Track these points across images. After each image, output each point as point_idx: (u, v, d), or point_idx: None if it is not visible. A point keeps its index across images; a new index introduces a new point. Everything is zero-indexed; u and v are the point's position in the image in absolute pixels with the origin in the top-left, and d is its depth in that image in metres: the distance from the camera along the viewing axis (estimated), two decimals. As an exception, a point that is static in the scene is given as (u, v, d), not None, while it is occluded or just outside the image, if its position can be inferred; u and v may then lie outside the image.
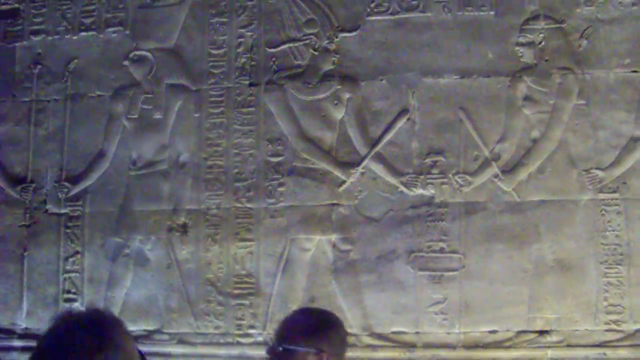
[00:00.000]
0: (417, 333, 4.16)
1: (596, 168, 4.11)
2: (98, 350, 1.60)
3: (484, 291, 4.12)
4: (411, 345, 4.16)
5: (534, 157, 4.16)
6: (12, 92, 4.83)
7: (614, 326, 4.02)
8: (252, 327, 4.31)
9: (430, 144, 4.25)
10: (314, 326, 2.59)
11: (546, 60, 4.20)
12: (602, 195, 4.10)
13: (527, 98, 4.20)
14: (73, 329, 1.66)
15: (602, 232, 4.08)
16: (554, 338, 4.05)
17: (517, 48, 4.23)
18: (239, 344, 4.31)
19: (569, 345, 4.04)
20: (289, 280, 4.30)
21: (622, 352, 4.00)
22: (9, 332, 4.65)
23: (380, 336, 4.20)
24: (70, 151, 4.71)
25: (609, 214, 4.09)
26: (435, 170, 4.23)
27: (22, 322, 4.62)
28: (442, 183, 4.21)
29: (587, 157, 4.13)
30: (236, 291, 4.38)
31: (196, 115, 4.53)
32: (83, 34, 4.76)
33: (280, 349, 2.54)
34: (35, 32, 4.83)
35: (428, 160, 4.24)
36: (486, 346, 4.10)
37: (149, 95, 4.59)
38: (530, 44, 4.21)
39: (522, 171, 4.16)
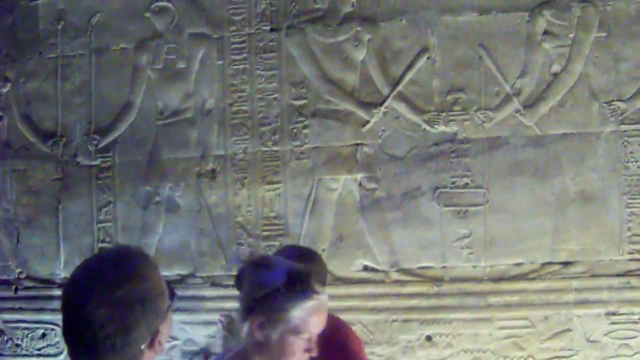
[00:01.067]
0: (444, 267, 4.22)
1: (618, 100, 4.09)
2: (124, 281, 1.69)
3: (508, 224, 4.16)
4: (438, 280, 4.22)
5: (555, 91, 4.15)
6: (38, 50, 4.89)
7: (637, 255, 4.05)
8: (282, 267, 4.38)
9: (451, 82, 4.26)
10: (298, 258, 2.82)
11: (565, -7, 4.17)
12: (624, 127, 4.09)
13: (546, 32, 4.17)
14: (102, 261, 1.77)
15: (625, 163, 4.09)
16: (578, 269, 4.09)
17: (535, -18, 4.19)
18: (270, 284, 4.39)
19: (593, 275, 4.07)
20: (317, 220, 4.37)
21: (646, 281, 4.04)
22: (49, 282, 4.79)
23: (407, 271, 4.26)
24: (98, 104, 4.77)
25: (631, 145, 4.09)
26: (457, 107, 4.24)
27: (61, 272, 4.74)
28: (464, 119, 4.23)
29: (608, 90, 4.11)
30: (265, 233, 4.46)
31: (219, 62, 4.56)
32: (103, -13, 4.80)
33: None
34: (57, -12, 4.90)
35: (449, 98, 4.25)
36: (512, 278, 4.15)
37: (172, 45, 4.62)
38: (548, -23, 4.18)
39: (543, 105, 4.16)
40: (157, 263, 1.86)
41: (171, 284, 1.88)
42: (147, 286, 1.73)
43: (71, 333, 1.70)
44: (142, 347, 1.71)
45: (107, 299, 1.65)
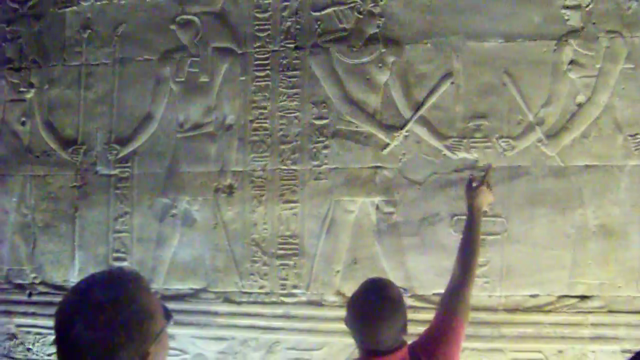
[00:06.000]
0: (459, 296, 4.18)
1: (642, 133, 4.03)
2: (111, 304, 1.71)
3: (526, 255, 4.10)
4: (452, 308, 4.17)
5: (579, 122, 4.09)
6: (63, 57, 4.93)
7: (657, 293, 3.97)
8: (295, 287, 4.38)
9: (474, 108, 4.21)
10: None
11: (593, 24, 4.09)
12: (648, 161, 4.03)
13: (572, 62, 4.11)
14: (91, 285, 1.79)
15: (647, 198, 4.01)
16: (595, 303, 4.02)
17: (563, 11, 4.13)
18: (282, 303, 4.39)
19: (610, 311, 4.00)
20: (333, 241, 4.34)
21: (664, 320, 3.96)
22: (63, 289, 4.78)
23: (422, 298, 4.21)
24: (119, 114, 4.79)
25: (656, 180, 4.01)
26: (478, 134, 4.20)
27: (75, 279, 4.74)
28: (486, 147, 4.18)
29: (634, 122, 4.03)
30: (280, 251, 4.44)
31: (242, 78, 4.55)
32: (131, -2, 4.83)
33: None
34: (85, -2, 4.93)
35: (472, 124, 4.21)
36: (527, 310, 4.09)
37: (196, 59, 4.63)
38: (577, 7, 4.10)
39: (566, 136, 4.09)
40: (149, 285, 1.88)
41: (166, 306, 1.90)
42: (134, 309, 1.75)
43: (62, 354, 1.74)
44: None
45: (93, 323, 1.69)
